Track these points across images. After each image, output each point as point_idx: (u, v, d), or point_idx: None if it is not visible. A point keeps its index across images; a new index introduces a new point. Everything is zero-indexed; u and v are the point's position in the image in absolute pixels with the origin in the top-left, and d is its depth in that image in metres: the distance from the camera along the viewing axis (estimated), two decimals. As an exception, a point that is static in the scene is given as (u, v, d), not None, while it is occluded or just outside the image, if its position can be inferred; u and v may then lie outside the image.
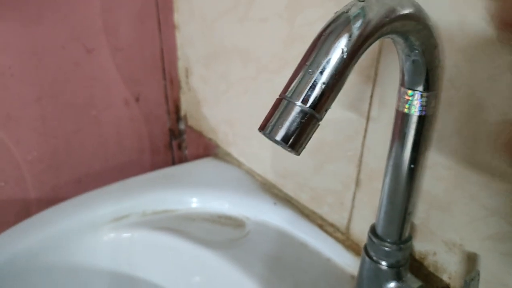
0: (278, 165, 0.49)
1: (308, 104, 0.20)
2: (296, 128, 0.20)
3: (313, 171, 0.44)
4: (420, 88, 0.26)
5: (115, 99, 0.56)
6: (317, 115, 0.20)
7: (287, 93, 0.20)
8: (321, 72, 0.20)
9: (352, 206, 0.41)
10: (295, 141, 0.20)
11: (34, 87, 0.49)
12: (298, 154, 0.21)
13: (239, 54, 0.48)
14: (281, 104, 0.20)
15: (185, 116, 0.63)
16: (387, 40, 0.32)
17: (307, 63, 0.20)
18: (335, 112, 0.39)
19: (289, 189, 0.48)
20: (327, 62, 0.20)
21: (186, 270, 0.46)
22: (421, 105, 0.27)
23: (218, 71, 0.53)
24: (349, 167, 0.40)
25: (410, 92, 0.27)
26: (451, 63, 0.29)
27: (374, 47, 0.33)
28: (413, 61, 0.25)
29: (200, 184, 0.52)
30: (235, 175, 0.54)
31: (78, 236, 0.44)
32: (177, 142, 0.65)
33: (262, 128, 0.21)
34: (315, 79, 0.20)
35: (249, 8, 0.45)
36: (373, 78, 0.34)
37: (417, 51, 0.24)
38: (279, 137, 0.20)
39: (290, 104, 0.20)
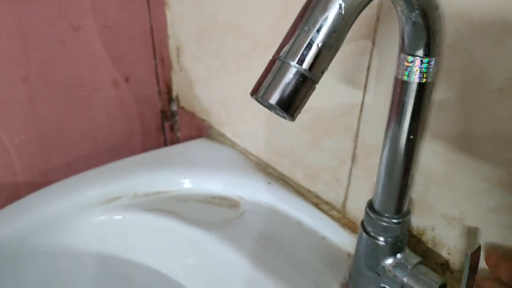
0: (273, 143, 0.47)
1: (304, 65, 0.19)
2: (291, 91, 0.19)
3: (309, 147, 0.43)
4: (420, 53, 0.25)
5: (104, 80, 0.54)
6: (313, 77, 0.19)
7: (281, 53, 0.19)
8: (318, 31, 0.18)
9: (348, 183, 0.40)
10: (290, 104, 0.19)
11: (20, 67, 0.47)
12: (293, 119, 0.20)
13: (231, 30, 0.47)
14: (275, 65, 0.19)
15: (177, 97, 0.62)
16: (385, 8, 0.31)
17: (303, 21, 0.19)
18: (331, 85, 0.37)
19: (283, 167, 0.47)
20: (324, 20, 0.18)
21: (180, 251, 0.45)
22: (421, 72, 0.26)
23: (210, 49, 0.51)
24: (345, 143, 0.39)
25: (410, 57, 0.26)
26: (452, 29, 0.27)
27: (372, 14, 0.32)
28: (414, 23, 0.24)
29: (193, 164, 0.51)
30: (229, 155, 0.53)
31: (69, 219, 0.43)
32: (169, 124, 0.63)
33: (254, 92, 0.19)
34: (311, 38, 0.19)
35: (241, -19, 0.43)
36: (371, 48, 0.33)
37: (417, 12, 0.23)
38: (273, 100, 0.19)
39: (285, 65, 0.19)
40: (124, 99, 0.56)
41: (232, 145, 0.54)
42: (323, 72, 0.19)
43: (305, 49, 0.19)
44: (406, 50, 0.26)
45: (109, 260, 0.45)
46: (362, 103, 0.35)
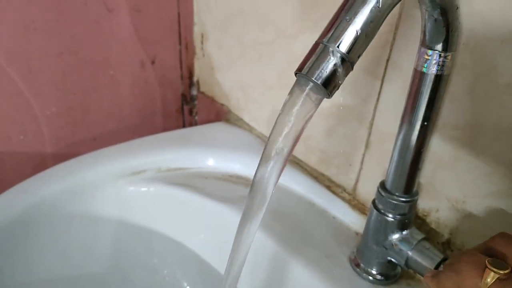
0: (290, 129, 0.51)
1: (344, 49, 0.22)
2: (331, 71, 0.22)
3: (324, 134, 0.46)
4: (439, 48, 0.28)
5: (132, 60, 0.57)
6: (350, 60, 0.22)
7: (324, 38, 0.22)
8: (357, 19, 0.22)
9: (361, 168, 0.43)
10: (329, 82, 0.22)
11: (55, 42, 0.50)
12: (330, 97, 0.23)
13: (257, 18, 0.50)
14: (319, 48, 0.22)
15: (198, 82, 0.65)
16: (407, 7, 0.34)
17: (345, 10, 0.22)
18: (350, 76, 0.40)
19: (298, 152, 0.51)
20: (364, 10, 0.22)
21: (198, 223, 0.48)
22: (439, 65, 0.29)
23: (234, 36, 0.54)
24: (360, 130, 0.42)
25: (429, 51, 0.29)
26: (468, 27, 0.31)
27: (394, 12, 0.35)
28: (435, 20, 0.27)
29: (212, 145, 0.54)
30: (246, 138, 0.56)
31: (99, 187, 0.47)
32: (189, 107, 0.66)
33: (299, 70, 0.23)
34: (351, 25, 0.22)
35: (270, -26, 0.46)
36: (391, 43, 0.36)
37: (439, 10, 0.26)
38: (315, 77, 0.22)
39: (326, 48, 0.22)
40: (149, 80, 0.60)
41: (250, 129, 0.57)
42: (359, 57, 0.22)
43: (345, 35, 0.22)
44: (426, 44, 0.29)
45: (133, 228, 0.48)
46: (379, 93, 0.39)
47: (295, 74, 0.23)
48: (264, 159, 0.25)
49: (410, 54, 0.35)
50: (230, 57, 0.56)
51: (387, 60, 0.37)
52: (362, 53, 0.22)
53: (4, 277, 0.40)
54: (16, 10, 0.47)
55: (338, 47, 0.22)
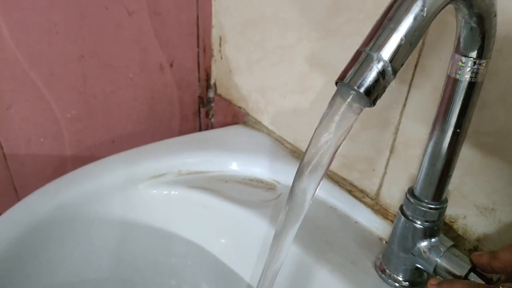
0: (311, 133, 0.50)
1: (386, 57, 0.22)
2: (374, 79, 0.22)
3: (348, 139, 0.46)
4: (474, 55, 0.28)
5: (151, 63, 0.57)
6: (393, 68, 0.22)
7: (367, 47, 0.22)
8: (401, 28, 0.21)
9: (384, 173, 0.43)
10: (372, 91, 0.22)
11: (77, 46, 0.50)
12: (373, 106, 0.23)
13: (278, 23, 0.50)
14: (361, 56, 0.22)
15: (215, 84, 0.65)
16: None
17: (388, 18, 0.22)
18: (376, 81, 0.40)
19: (319, 156, 0.50)
20: (407, 18, 0.21)
21: (218, 226, 0.48)
22: (473, 72, 0.29)
23: (253, 40, 0.54)
24: (385, 135, 0.42)
25: (463, 58, 0.28)
26: (502, 34, 0.30)
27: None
28: (471, 28, 0.27)
29: (231, 148, 0.54)
30: (265, 142, 0.56)
31: (119, 191, 0.47)
32: (205, 110, 0.66)
33: (341, 79, 0.22)
34: (394, 33, 0.21)
35: (293, -22, 0.46)
36: (420, 48, 0.36)
37: (476, 19, 0.26)
38: (357, 86, 0.22)
39: (369, 57, 0.22)
40: (168, 83, 0.60)
41: (268, 132, 0.57)
42: (402, 65, 0.22)
43: (388, 43, 0.22)
44: (460, 51, 0.29)
45: (154, 231, 0.48)
46: (406, 98, 0.38)
47: (336, 83, 0.23)
48: (301, 171, 0.25)
49: (439, 59, 0.35)
50: (249, 60, 0.56)
51: (415, 66, 0.37)
52: (405, 61, 0.22)
53: (29, 281, 0.40)
54: (39, 14, 0.47)
55: (381, 55, 0.22)
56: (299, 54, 0.49)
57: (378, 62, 0.22)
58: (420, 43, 0.36)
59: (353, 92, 0.22)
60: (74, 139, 0.56)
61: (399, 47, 0.22)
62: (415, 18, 0.21)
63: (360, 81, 0.22)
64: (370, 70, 0.22)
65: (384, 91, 0.22)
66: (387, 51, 0.22)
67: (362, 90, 0.22)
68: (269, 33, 0.52)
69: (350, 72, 0.22)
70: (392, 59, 0.22)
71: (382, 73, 0.22)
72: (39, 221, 0.41)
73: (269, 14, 0.51)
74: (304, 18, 0.46)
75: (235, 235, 0.47)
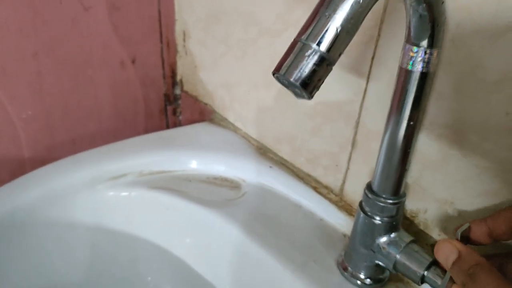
0: (275, 129, 0.49)
1: (323, 47, 0.21)
2: (311, 70, 0.21)
3: (310, 133, 0.45)
4: (425, 44, 0.27)
5: (111, 60, 0.55)
6: (331, 58, 0.21)
7: (303, 36, 0.21)
8: (337, 16, 0.20)
9: (347, 168, 0.42)
10: (309, 82, 0.21)
11: (30, 42, 0.48)
12: (311, 97, 0.21)
13: (240, 17, 0.48)
14: (297, 46, 0.21)
15: (181, 81, 0.63)
16: (392, 1, 0.33)
17: (324, 7, 0.20)
18: (335, 74, 0.39)
19: (284, 153, 0.49)
20: (344, 6, 0.20)
21: (182, 228, 0.47)
22: (424, 62, 0.28)
23: (217, 35, 0.53)
24: (346, 129, 0.41)
25: (414, 48, 0.28)
26: (454, 23, 0.29)
27: (379, 7, 0.34)
28: (420, 16, 0.26)
29: (196, 146, 0.53)
30: (231, 139, 0.54)
31: (77, 193, 0.45)
32: (172, 107, 0.65)
33: (277, 70, 0.21)
34: (331, 22, 0.20)
35: (252, -31, 0.44)
36: (376, 39, 0.35)
37: (424, 5, 0.25)
38: (293, 78, 0.21)
39: (305, 46, 0.21)
40: (130, 80, 0.58)
41: (235, 129, 0.56)
42: (339, 55, 0.21)
43: (325, 32, 0.20)
44: (411, 40, 0.28)
45: (114, 234, 0.47)
46: (365, 90, 0.37)
47: (273, 74, 0.22)
48: None
49: (395, 51, 0.34)
50: (213, 55, 0.55)
51: (372, 57, 0.36)
52: (343, 51, 0.21)
53: (-24, 289, 0.38)
54: (-13, 9, 0.44)
55: (317, 45, 0.20)
56: (261, 48, 0.47)
57: (315, 52, 0.20)
58: (376, 34, 0.35)
59: (290, 83, 0.21)
60: (32, 140, 0.53)
61: (336, 36, 0.20)
62: (351, 6, 0.20)
63: (296, 72, 0.21)
64: (307, 61, 0.21)
65: (322, 83, 0.21)
66: (323, 41, 0.20)
67: (298, 82, 0.21)
68: (231, 28, 0.50)
69: (285, 63, 0.21)
70: (329, 49, 0.21)
71: (318, 64, 0.21)
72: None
73: (230, 9, 0.49)
74: (264, 12, 0.45)
75: (199, 236, 0.46)
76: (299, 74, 0.21)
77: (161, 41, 0.59)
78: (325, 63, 0.21)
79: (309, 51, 0.21)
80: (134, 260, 0.48)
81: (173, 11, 0.58)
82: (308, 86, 0.21)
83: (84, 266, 0.46)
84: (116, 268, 0.48)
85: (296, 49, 0.21)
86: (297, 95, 0.22)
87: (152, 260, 0.48)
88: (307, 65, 0.21)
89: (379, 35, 0.35)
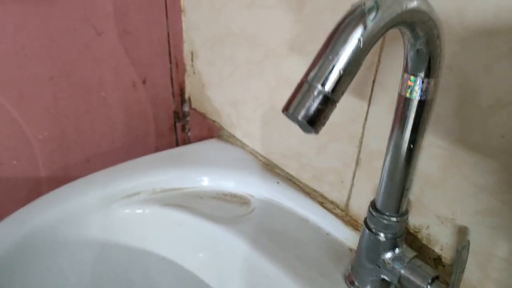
0: (281, 146, 0.51)
1: (327, 88, 0.22)
2: (317, 109, 0.23)
3: (316, 151, 0.47)
4: (422, 74, 0.29)
5: (123, 81, 0.57)
6: (334, 98, 0.23)
7: (308, 77, 0.23)
8: (340, 59, 0.22)
9: (352, 184, 0.44)
10: (315, 120, 0.23)
11: (46, 67, 0.51)
12: (317, 133, 0.23)
13: (246, 39, 0.50)
14: (303, 87, 0.23)
15: (189, 99, 0.65)
16: (391, 30, 0.35)
17: (327, 51, 0.22)
18: (339, 96, 0.41)
19: (291, 168, 0.51)
20: (345, 50, 0.22)
21: (193, 244, 0.48)
22: (422, 91, 0.30)
23: (223, 55, 0.55)
24: (350, 148, 0.42)
25: (412, 78, 0.29)
26: (450, 52, 0.31)
27: (378, 36, 0.36)
28: (417, 50, 0.28)
29: (206, 163, 0.55)
30: (239, 155, 0.56)
31: (93, 212, 0.47)
32: (181, 124, 0.67)
33: (285, 109, 0.23)
34: (334, 65, 0.22)
35: (257, -5, 0.47)
36: (376, 65, 0.37)
37: (421, 41, 0.27)
38: (301, 117, 0.23)
39: (311, 87, 0.23)
40: (141, 100, 0.60)
41: (242, 146, 0.58)
42: (342, 93, 0.23)
43: (328, 74, 0.22)
44: (409, 71, 0.29)
45: (129, 250, 0.49)
46: (367, 112, 0.39)
47: (282, 111, 0.24)
48: None
49: (395, 76, 0.36)
50: (220, 74, 0.57)
51: (373, 81, 0.38)
52: (345, 90, 0.23)
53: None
54: (6, 38, 0.47)
55: (322, 86, 0.22)
56: (266, 69, 0.49)
57: (320, 93, 0.22)
58: (376, 60, 0.37)
59: (298, 121, 0.23)
60: (48, 160, 0.56)
61: (339, 77, 0.22)
62: (352, 51, 0.22)
63: (303, 111, 0.23)
64: (313, 101, 0.22)
65: (327, 119, 0.23)
66: (328, 82, 0.22)
67: (306, 120, 0.23)
68: (238, 48, 0.52)
69: (293, 103, 0.23)
70: (333, 90, 0.22)
71: (323, 103, 0.22)
72: (11, 248, 0.41)
73: (236, 30, 0.51)
74: (269, 35, 0.47)
75: (211, 252, 0.48)
76: (306, 113, 0.23)
77: (170, 61, 0.61)
78: (329, 102, 0.23)
79: (315, 92, 0.22)
80: (148, 276, 0.50)
81: (181, 32, 0.60)
82: (315, 123, 0.23)
83: (101, 282, 0.48)
84: (130, 284, 0.50)
85: (303, 90, 0.23)
86: (305, 130, 0.24)
87: (165, 275, 0.50)
88: (313, 105, 0.22)
89: (379, 61, 0.37)
